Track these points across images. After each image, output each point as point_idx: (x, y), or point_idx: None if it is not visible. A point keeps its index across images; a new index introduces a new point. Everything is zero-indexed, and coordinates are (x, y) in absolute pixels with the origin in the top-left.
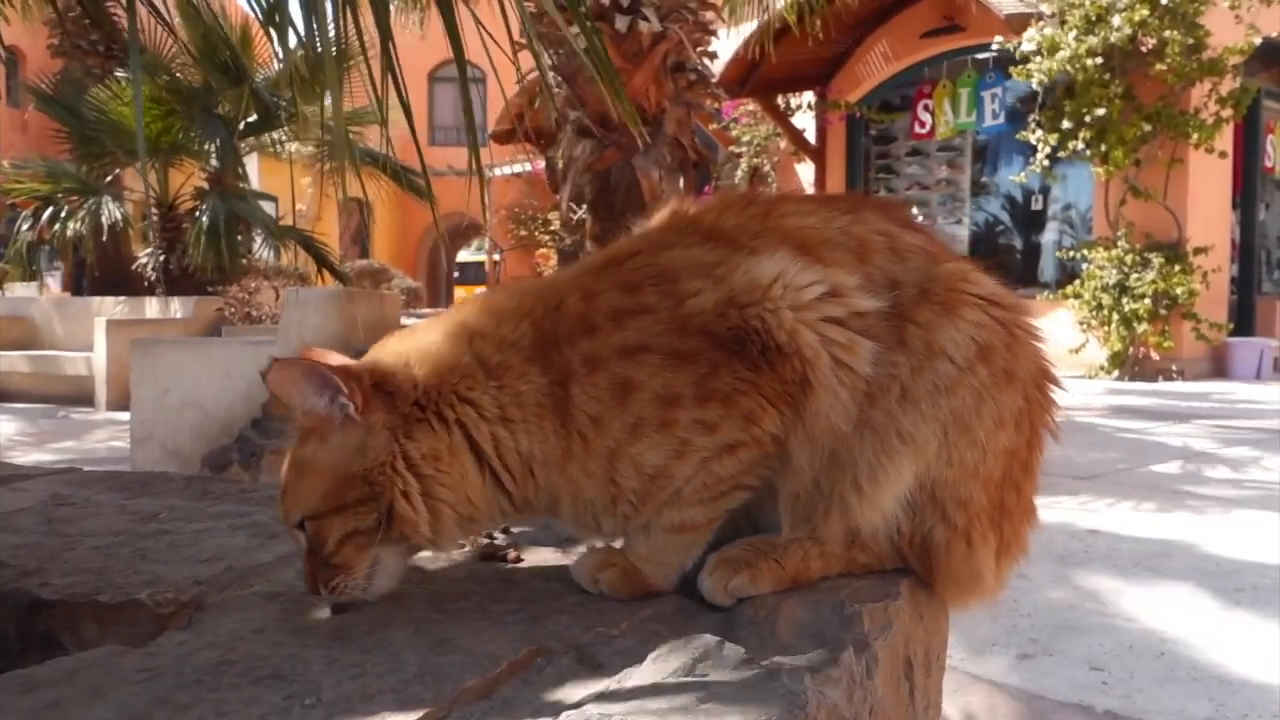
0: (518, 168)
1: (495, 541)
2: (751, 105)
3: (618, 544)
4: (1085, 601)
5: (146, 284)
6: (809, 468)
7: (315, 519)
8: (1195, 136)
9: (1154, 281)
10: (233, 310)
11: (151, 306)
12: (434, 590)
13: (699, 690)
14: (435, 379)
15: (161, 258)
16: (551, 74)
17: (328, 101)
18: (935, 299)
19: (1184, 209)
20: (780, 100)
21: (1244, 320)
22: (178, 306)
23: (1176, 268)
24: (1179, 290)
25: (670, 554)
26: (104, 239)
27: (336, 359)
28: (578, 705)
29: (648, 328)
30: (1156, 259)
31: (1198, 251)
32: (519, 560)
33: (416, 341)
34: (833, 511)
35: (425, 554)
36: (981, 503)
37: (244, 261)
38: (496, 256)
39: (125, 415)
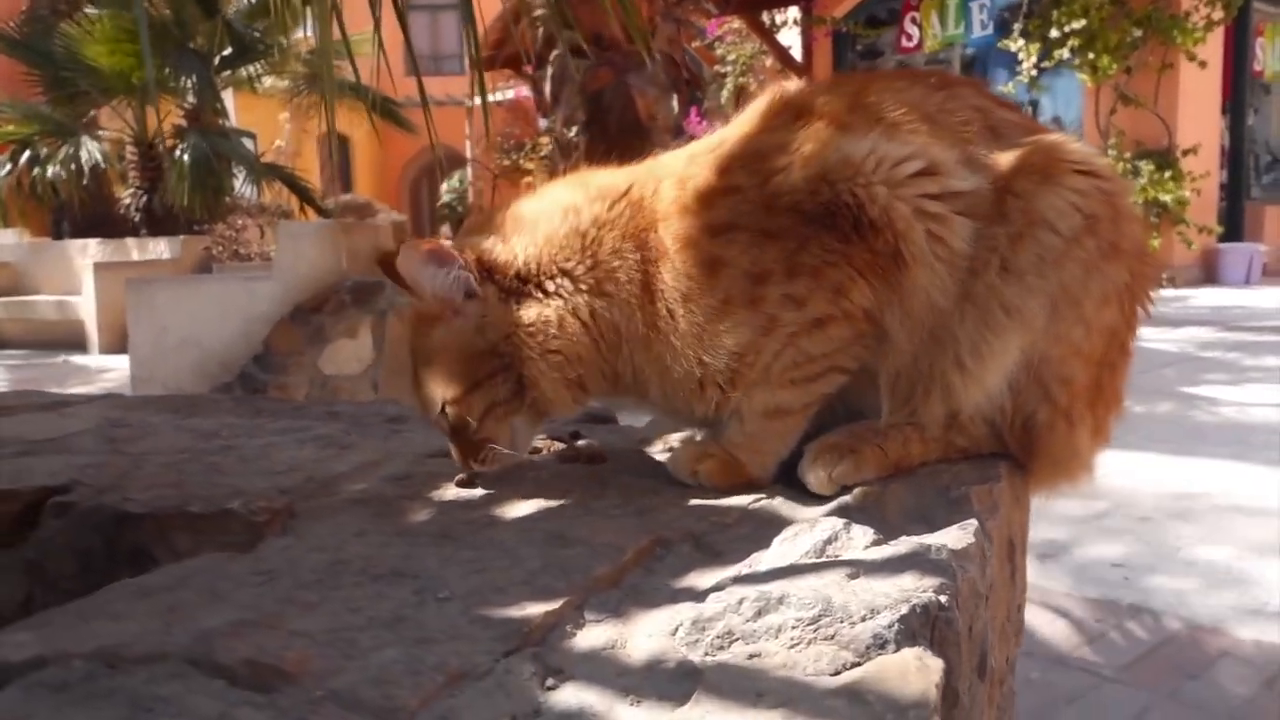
0: (498, 95)
1: (577, 444)
2: (736, 23)
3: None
4: None
5: (130, 225)
6: (908, 346)
7: (456, 402)
8: (1181, 41)
9: (1144, 189)
10: (220, 249)
11: (134, 248)
12: (528, 492)
13: (846, 568)
14: (534, 251)
15: (144, 198)
16: None
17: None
18: (1033, 168)
19: (1174, 115)
20: (765, 17)
21: (1233, 226)
22: (164, 247)
23: (1167, 174)
24: (1168, 198)
25: (767, 442)
26: (84, 181)
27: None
28: (718, 588)
29: (736, 207)
30: (1147, 167)
31: (1186, 152)
32: (603, 460)
33: (512, 217)
34: (934, 392)
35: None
36: (1083, 381)
37: (227, 199)
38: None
39: (118, 359)
